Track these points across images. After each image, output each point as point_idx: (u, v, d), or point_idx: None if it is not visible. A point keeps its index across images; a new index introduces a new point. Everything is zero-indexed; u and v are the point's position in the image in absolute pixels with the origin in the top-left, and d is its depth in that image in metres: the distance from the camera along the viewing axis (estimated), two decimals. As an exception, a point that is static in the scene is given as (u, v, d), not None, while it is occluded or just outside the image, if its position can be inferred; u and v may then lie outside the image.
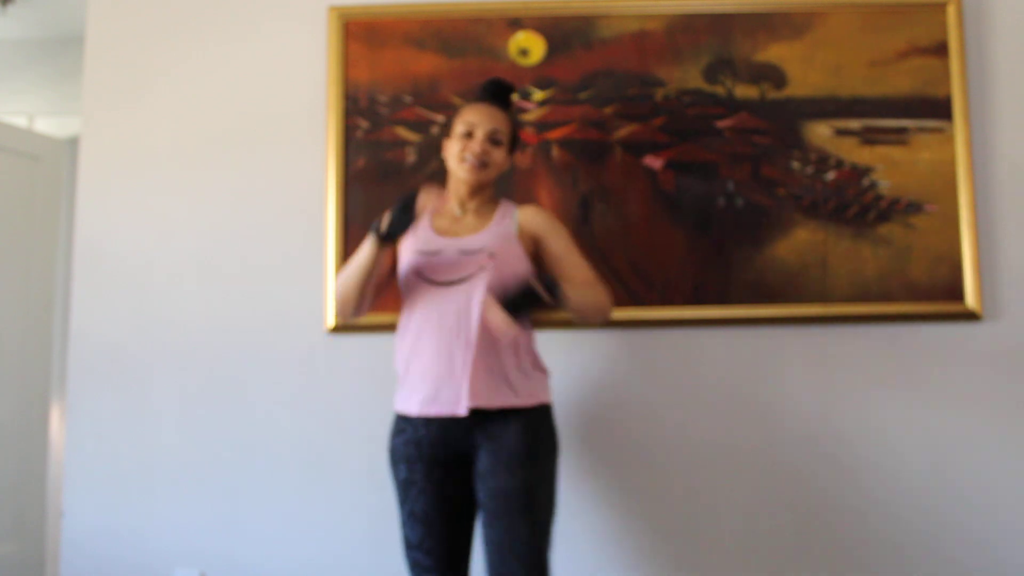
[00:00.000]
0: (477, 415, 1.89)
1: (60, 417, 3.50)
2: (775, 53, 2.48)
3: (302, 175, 2.49)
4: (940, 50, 2.46)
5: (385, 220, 1.92)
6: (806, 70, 2.47)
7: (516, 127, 2.12)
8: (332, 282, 2.42)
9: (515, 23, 2.51)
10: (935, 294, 2.39)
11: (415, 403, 1.94)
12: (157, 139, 2.54)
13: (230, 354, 2.46)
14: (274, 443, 2.43)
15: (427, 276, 1.97)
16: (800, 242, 2.42)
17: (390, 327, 2.41)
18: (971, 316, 2.38)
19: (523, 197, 2.43)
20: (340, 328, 2.42)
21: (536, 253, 2.05)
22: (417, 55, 2.50)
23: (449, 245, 1.98)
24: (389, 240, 1.92)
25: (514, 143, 2.10)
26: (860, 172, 2.44)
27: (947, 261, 2.40)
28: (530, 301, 1.81)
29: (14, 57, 3.57)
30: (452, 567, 1.93)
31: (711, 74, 2.47)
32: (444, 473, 1.93)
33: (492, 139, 2.01)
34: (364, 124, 2.48)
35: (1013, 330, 2.40)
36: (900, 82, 2.46)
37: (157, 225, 2.51)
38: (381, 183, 2.46)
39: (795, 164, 2.45)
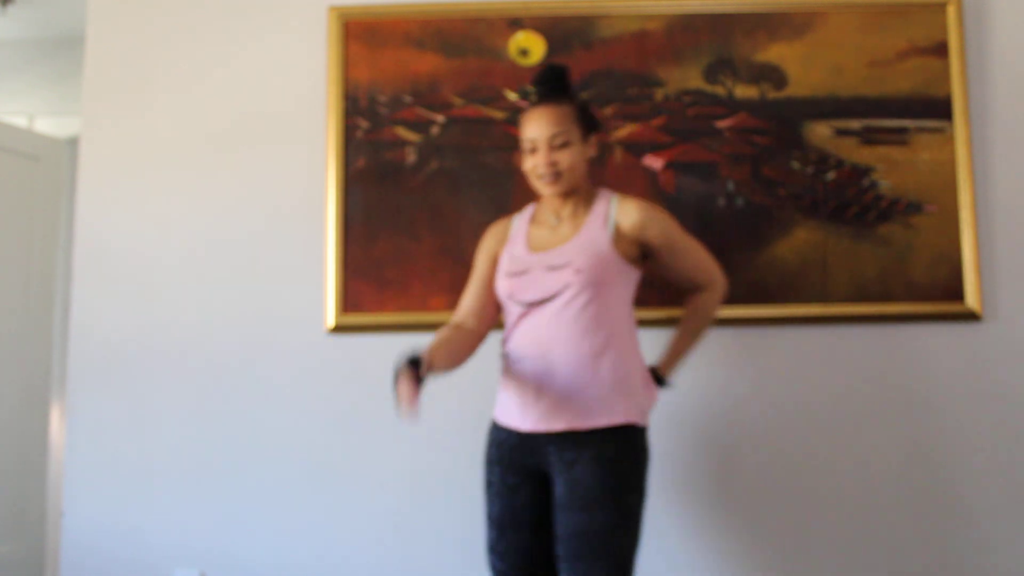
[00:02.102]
0: (549, 434, 1.85)
1: (60, 417, 3.50)
2: (775, 53, 2.48)
3: (302, 175, 2.49)
4: (940, 50, 2.46)
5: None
6: (806, 70, 2.47)
7: (584, 109, 1.95)
8: (332, 282, 2.42)
9: (515, 23, 2.51)
10: (935, 294, 2.39)
11: (498, 412, 1.95)
12: (157, 139, 2.54)
13: (230, 354, 2.46)
14: (274, 443, 2.43)
15: (517, 298, 1.90)
16: (800, 242, 2.42)
17: (390, 327, 2.42)
18: (971, 316, 2.38)
19: (523, 197, 2.42)
20: (340, 328, 2.42)
21: (647, 251, 1.96)
22: (417, 55, 2.50)
23: (535, 262, 1.91)
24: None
25: (589, 125, 1.95)
26: (860, 172, 2.44)
27: (947, 261, 2.40)
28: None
29: (14, 57, 3.57)
30: (528, 574, 1.86)
31: (711, 74, 2.47)
32: (520, 480, 1.87)
33: (555, 145, 1.89)
34: (364, 124, 2.48)
35: (1013, 330, 2.40)
36: (900, 82, 2.46)
37: (157, 225, 2.51)
38: (381, 183, 2.46)
39: (795, 164, 2.45)
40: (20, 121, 3.59)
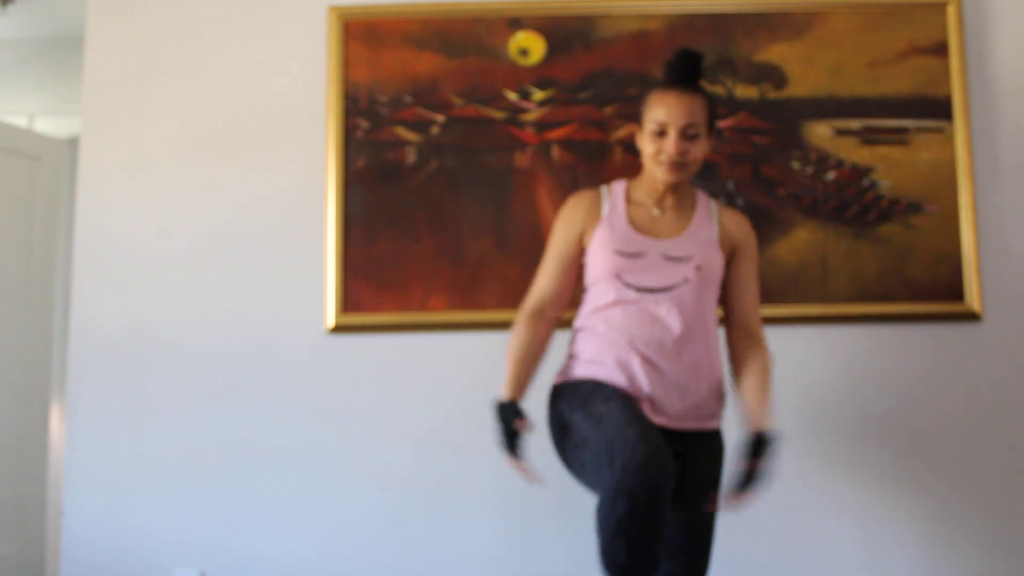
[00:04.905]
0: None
1: (60, 417, 3.50)
2: (775, 53, 2.48)
3: (302, 175, 2.49)
4: (940, 50, 2.46)
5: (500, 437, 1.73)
6: (806, 70, 2.47)
7: (712, 105, 1.83)
8: (332, 282, 2.42)
9: (515, 23, 2.51)
10: (935, 294, 2.39)
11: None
12: (157, 139, 2.54)
13: (230, 354, 2.46)
14: (274, 443, 2.43)
15: (625, 279, 1.77)
16: (800, 242, 2.42)
17: (390, 327, 2.42)
18: (971, 316, 2.38)
19: (523, 197, 2.43)
20: (340, 328, 2.42)
21: (726, 262, 1.87)
22: (417, 55, 2.50)
23: (651, 247, 1.79)
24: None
25: (714, 120, 1.84)
26: (860, 172, 2.44)
27: (947, 261, 2.40)
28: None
29: (14, 57, 3.57)
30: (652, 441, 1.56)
31: (711, 74, 2.47)
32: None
33: (688, 135, 1.77)
34: (364, 124, 2.48)
35: (1013, 330, 2.40)
36: (900, 82, 2.46)
37: (157, 225, 2.51)
38: (381, 183, 2.46)
39: (795, 164, 2.45)
40: (20, 121, 3.59)
